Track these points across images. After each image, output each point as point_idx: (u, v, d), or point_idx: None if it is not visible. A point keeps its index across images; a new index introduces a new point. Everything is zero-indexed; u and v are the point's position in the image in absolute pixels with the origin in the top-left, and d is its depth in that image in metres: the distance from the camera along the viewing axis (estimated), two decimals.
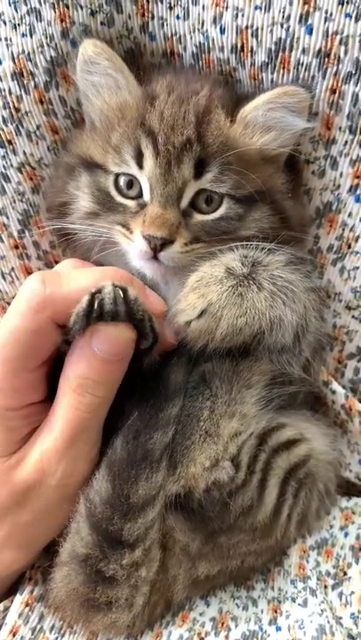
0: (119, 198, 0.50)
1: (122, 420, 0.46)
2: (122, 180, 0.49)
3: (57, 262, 0.60)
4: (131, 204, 0.49)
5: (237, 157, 0.47)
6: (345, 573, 0.52)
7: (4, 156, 0.54)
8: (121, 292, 0.42)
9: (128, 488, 0.44)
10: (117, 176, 0.49)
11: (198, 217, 0.49)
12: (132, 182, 0.49)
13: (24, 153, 0.54)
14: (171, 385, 0.46)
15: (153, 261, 0.48)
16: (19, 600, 0.49)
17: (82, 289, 0.42)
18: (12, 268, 0.58)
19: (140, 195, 0.49)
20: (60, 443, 0.44)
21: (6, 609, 0.49)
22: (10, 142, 0.53)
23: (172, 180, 0.47)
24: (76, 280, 0.43)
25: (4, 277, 0.59)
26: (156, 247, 0.47)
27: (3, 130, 0.53)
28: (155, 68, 0.54)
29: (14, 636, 0.47)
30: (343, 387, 0.58)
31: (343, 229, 0.53)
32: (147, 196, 0.49)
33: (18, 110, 0.52)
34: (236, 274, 0.45)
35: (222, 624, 0.50)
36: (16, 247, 0.57)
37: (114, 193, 0.50)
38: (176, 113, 0.47)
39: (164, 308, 0.47)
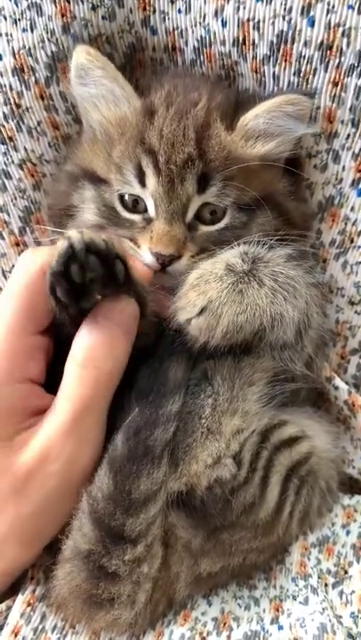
0: (125, 214, 0.50)
1: (122, 417, 0.46)
2: (127, 198, 0.49)
3: None
4: (137, 219, 0.49)
5: (240, 169, 0.47)
6: (346, 572, 0.52)
7: (4, 153, 0.54)
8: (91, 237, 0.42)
9: (130, 484, 0.44)
10: (122, 194, 0.49)
11: (203, 228, 0.49)
12: (137, 200, 0.49)
13: (25, 149, 0.54)
14: (171, 382, 0.46)
15: (161, 273, 0.48)
16: (20, 600, 0.49)
17: None
18: (13, 266, 0.58)
19: (145, 210, 0.49)
20: (64, 423, 0.44)
21: (8, 608, 0.49)
22: (11, 139, 0.53)
23: (177, 197, 0.47)
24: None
25: (4, 275, 0.59)
26: (165, 262, 0.47)
27: (4, 126, 0.53)
28: (152, 73, 0.54)
29: (16, 636, 0.47)
30: (346, 382, 0.57)
31: (346, 224, 0.53)
32: (152, 212, 0.49)
33: (19, 106, 0.52)
34: (237, 270, 0.45)
35: (224, 624, 0.50)
36: (17, 244, 0.57)
37: (120, 209, 0.50)
38: (175, 130, 0.47)
39: (149, 273, 0.47)
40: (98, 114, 0.51)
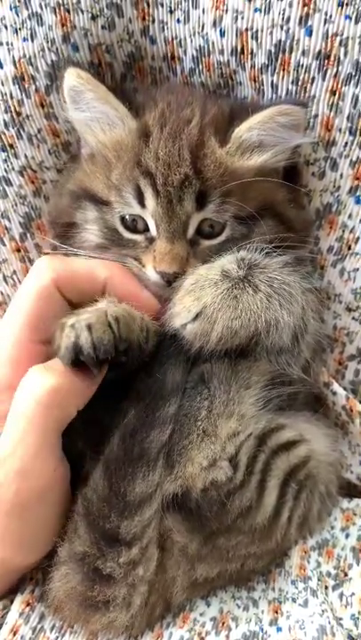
0: (127, 235, 0.50)
1: (118, 419, 0.46)
2: (128, 218, 0.50)
3: None
4: (139, 238, 0.50)
5: (237, 184, 0.47)
6: (346, 574, 0.52)
7: (5, 160, 0.54)
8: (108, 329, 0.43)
9: (125, 486, 0.44)
10: (122, 216, 0.50)
11: (205, 243, 0.49)
12: (137, 220, 0.50)
13: (25, 156, 0.55)
14: (168, 384, 0.47)
15: (167, 287, 0.49)
16: (19, 600, 0.50)
17: (83, 265, 0.48)
18: (14, 272, 0.59)
19: (146, 229, 0.50)
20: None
21: (5, 608, 0.50)
22: (11, 146, 0.54)
23: (176, 217, 0.48)
24: (77, 260, 0.49)
25: (5, 281, 0.59)
26: (170, 280, 0.48)
27: (4, 134, 0.53)
28: (150, 84, 0.54)
29: (15, 635, 0.48)
30: (344, 388, 0.58)
31: (343, 231, 0.53)
32: (154, 232, 0.49)
33: (19, 114, 0.53)
34: (232, 276, 0.46)
35: (223, 624, 0.50)
36: (18, 250, 0.58)
37: (122, 230, 0.50)
38: (170, 151, 0.47)
39: (156, 307, 0.48)
40: (93, 137, 0.51)
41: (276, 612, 0.51)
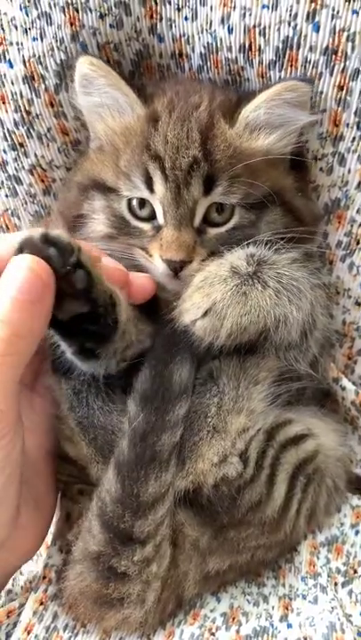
0: (135, 222, 0.51)
1: (127, 420, 0.46)
2: (134, 202, 0.50)
3: None
4: (146, 227, 0.50)
5: (245, 165, 0.48)
6: (355, 571, 0.52)
7: (15, 159, 0.55)
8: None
9: (138, 487, 0.45)
10: (130, 200, 0.50)
11: (212, 231, 0.49)
12: (143, 202, 0.50)
13: (35, 155, 0.55)
14: (176, 385, 0.47)
15: (174, 279, 0.49)
16: (33, 598, 0.50)
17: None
18: None
19: (153, 216, 0.50)
20: None
21: (21, 606, 0.50)
22: (21, 145, 0.55)
23: (184, 202, 0.48)
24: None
25: None
26: (177, 269, 0.48)
27: (14, 133, 0.54)
28: (159, 79, 0.55)
29: (29, 634, 0.48)
30: (353, 383, 0.58)
31: (352, 226, 0.54)
32: (161, 219, 0.49)
33: (29, 113, 0.54)
34: (241, 273, 0.46)
35: (233, 619, 0.51)
36: None
37: (129, 217, 0.51)
38: (179, 134, 0.48)
39: (152, 287, 0.47)
40: (103, 124, 0.52)
41: (287, 609, 0.51)
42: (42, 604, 0.50)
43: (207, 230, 0.50)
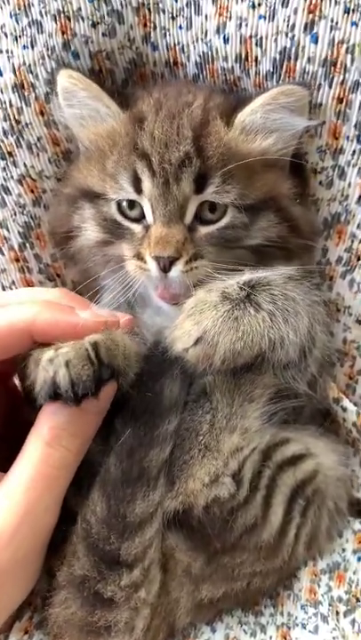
0: (126, 222, 0.51)
1: (114, 438, 0.46)
2: (124, 203, 0.51)
3: (58, 276, 0.62)
4: (137, 228, 0.51)
5: (240, 167, 0.48)
6: (358, 600, 0.52)
7: (4, 168, 0.56)
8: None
9: (124, 507, 0.44)
10: (119, 202, 0.51)
11: (203, 230, 0.50)
12: (133, 203, 0.51)
13: (24, 165, 0.56)
14: (165, 400, 0.47)
15: (164, 279, 0.49)
16: (17, 627, 0.50)
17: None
18: (13, 282, 0.60)
19: (142, 216, 0.51)
20: (21, 506, 0.41)
21: (6, 638, 0.50)
22: (10, 154, 0.55)
23: (173, 199, 0.48)
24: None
25: (4, 291, 0.60)
26: (165, 267, 0.48)
27: (3, 142, 0.55)
28: (143, 86, 0.56)
29: None
30: (355, 404, 0.58)
31: (352, 241, 0.54)
32: (150, 219, 0.50)
33: (18, 122, 0.54)
34: (232, 298, 0.46)
35: None
36: (17, 260, 0.59)
37: (120, 218, 0.51)
38: (168, 130, 0.48)
39: (100, 324, 0.46)
40: (87, 132, 0.53)
41: (285, 638, 0.51)
42: (27, 632, 0.50)
43: (198, 228, 0.50)
